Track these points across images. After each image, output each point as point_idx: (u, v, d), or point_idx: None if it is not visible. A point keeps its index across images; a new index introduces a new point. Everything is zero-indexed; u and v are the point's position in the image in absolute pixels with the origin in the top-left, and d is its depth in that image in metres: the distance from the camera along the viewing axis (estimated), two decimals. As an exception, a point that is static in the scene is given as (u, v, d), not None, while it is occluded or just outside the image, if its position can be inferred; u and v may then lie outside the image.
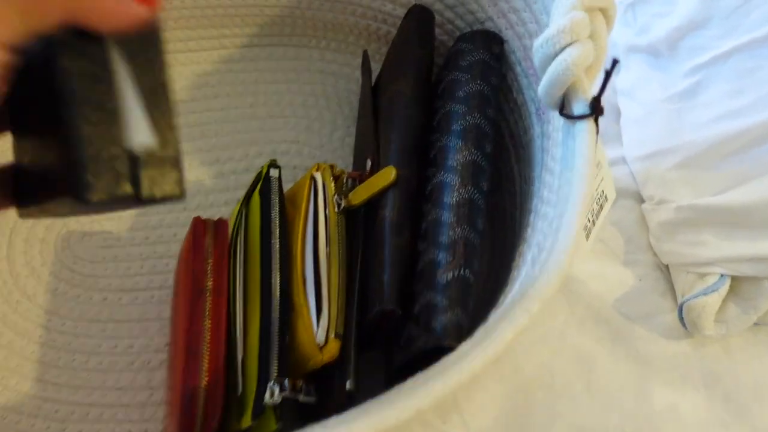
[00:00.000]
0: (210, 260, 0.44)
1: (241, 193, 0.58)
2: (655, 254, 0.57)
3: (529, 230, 0.45)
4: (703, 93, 0.55)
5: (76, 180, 0.28)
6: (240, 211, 0.50)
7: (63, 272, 0.56)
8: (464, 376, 0.32)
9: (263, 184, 0.49)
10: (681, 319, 0.53)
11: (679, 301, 0.53)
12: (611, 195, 0.43)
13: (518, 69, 0.50)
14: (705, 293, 0.51)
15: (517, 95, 0.51)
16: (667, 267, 0.56)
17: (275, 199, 0.48)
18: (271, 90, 0.64)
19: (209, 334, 0.42)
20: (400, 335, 0.44)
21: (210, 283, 0.44)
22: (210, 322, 0.43)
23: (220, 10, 0.61)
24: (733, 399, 0.52)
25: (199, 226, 0.46)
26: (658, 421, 0.52)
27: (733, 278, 0.51)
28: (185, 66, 0.64)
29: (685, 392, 0.53)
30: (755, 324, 0.52)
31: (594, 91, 0.37)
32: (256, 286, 0.46)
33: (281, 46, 0.65)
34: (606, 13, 0.38)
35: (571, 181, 0.36)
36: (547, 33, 0.37)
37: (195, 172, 0.60)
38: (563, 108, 0.39)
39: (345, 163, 0.61)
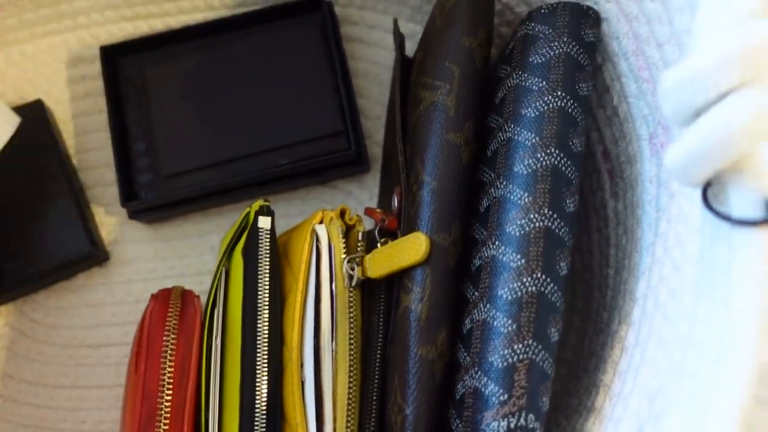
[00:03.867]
0: (169, 367, 0.31)
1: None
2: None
3: (632, 334, 0.30)
4: None
5: None
6: (219, 270, 0.36)
7: (21, 320, 0.44)
8: None
9: (249, 238, 0.35)
10: None
11: None
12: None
13: (623, 66, 0.32)
14: None
15: (619, 103, 0.34)
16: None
17: (265, 264, 0.34)
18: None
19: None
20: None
21: (167, 403, 0.31)
22: (163, 462, 0.30)
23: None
24: None
25: (157, 312, 0.33)
26: None
27: None
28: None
29: None
30: None
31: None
32: (235, 390, 0.33)
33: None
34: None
35: (726, 321, 0.21)
36: (697, 63, 0.20)
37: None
38: (708, 194, 0.22)
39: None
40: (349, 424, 0.32)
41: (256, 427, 0.32)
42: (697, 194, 0.25)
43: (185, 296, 0.35)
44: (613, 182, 0.36)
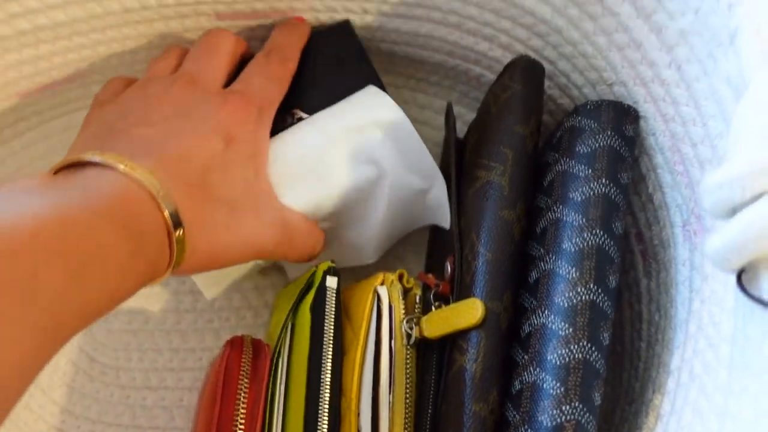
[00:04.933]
0: (242, 409, 0.35)
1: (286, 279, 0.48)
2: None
3: (666, 404, 0.33)
4: None
5: None
6: (285, 324, 0.39)
7: (82, 360, 0.48)
8: None
9: (317, 295, 0.38)
10: None
11: None
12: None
13: (659, 159, 0.36)
14: None
15: (654, 192, 0.38)
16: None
17: (330, 320, 0.38)
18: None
19: None
20: None
21: (238, 437, 0.34)
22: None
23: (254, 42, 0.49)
24: None
25: (234, 358, 0.36)
26: None
27: None
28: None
29: None
30: None
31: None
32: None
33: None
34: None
35: (759, 396, 0.24)
36: (735, 169, 0.24)
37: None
38: (742, 279, 0.26)
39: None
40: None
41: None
42: (731, 279, 0.29)
43: (255, 344, 0.38)
44: (646, 263, 0.40)
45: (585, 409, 0.31)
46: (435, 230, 0.46)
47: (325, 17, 0.45)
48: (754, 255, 0.24)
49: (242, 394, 0.35)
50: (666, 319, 0.36)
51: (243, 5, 0.44)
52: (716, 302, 0.30)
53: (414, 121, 0.51)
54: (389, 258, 0.49)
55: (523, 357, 0.34)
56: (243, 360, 0.36)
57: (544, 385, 0.32)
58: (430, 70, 0.50)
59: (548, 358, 0.32)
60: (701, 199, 0.27)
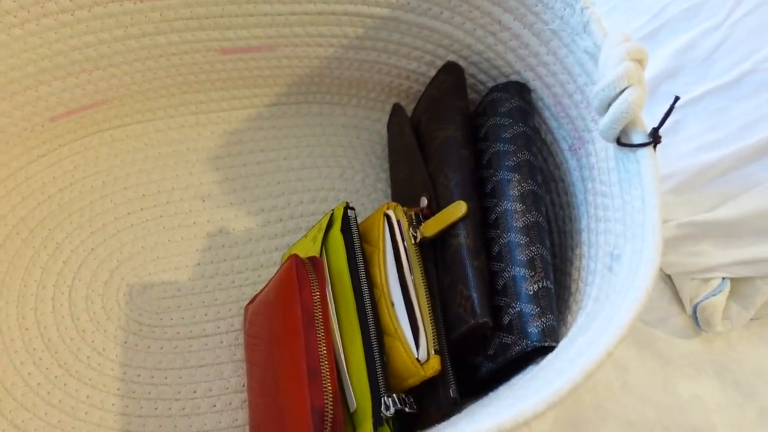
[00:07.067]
0: (317, 293, 0.48)
1: (289, 239, 0.62)
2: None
3: (585, 247, 0.53)
4: (683, 130, 0.66)
5: None
6: (321, 251, 0.54)
7: (130, 325, 0.57)
8: (596, 364, 0.38)
9: (344, 223, 0.54)
10: (695, 319, 0.62)
11: (692, 303, 0.62)
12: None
13: (546, 113, 0.58)
14: (713, 294, 0.60)
15: (546, 136, 0.59)
16: (669, 277, 0.66)
17: (356, 236, 0.53)
18: (301, 143, 0.69)
19: (326, 358, 0.46)
20: (485, 345, 0.50)
21: (320, 314, 0.48)
22: (325, 348, 0.46)
23: (256, 71, 0.66)
24: (741, 384, 0.61)
25: (300, 264, 0.50)
26: (687, 409, 0.60)
27: (732, 280, 0.61)
28: (218, 125, 0.68)
29: (703, 382, 0.61)
30: (751, 319, 0.62)
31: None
32: (351, 313, 0.50)
33: (306, 103, 0.70)
34: (642, 63, 0.48)
35: (643, 197, 0.44)
36: (606, 80, 0.46)
37: (243, 221, 0.64)
38: (619, 140, 0.47)
39: (380, 203, 0.67)
40: (430, 321, 0.50)
41: (370, 333, 0.49)
42: (609, 154, 0.50)
43: (312, 260, 0.51)
44: (546, 183, 0.60)
45: (542, 247, 0.50)
46: (399, 189, 0.64)
47: (306, 48, 0.63)
48: (624, 123, 0.46)
49: (314, 284, 0.49)
50: (571, 204, 0.56)
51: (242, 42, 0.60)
52: (603, 172, 0.51)
53: (363, 129, 0.70)
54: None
55: (495, 232, 0.52)
56: (305, 262, 0.50)
57: (516, 240, 0.50)
58: (371, 88, 0.69)
59: (514, 224, 0.51)
60: (591, 103, 0.48)
